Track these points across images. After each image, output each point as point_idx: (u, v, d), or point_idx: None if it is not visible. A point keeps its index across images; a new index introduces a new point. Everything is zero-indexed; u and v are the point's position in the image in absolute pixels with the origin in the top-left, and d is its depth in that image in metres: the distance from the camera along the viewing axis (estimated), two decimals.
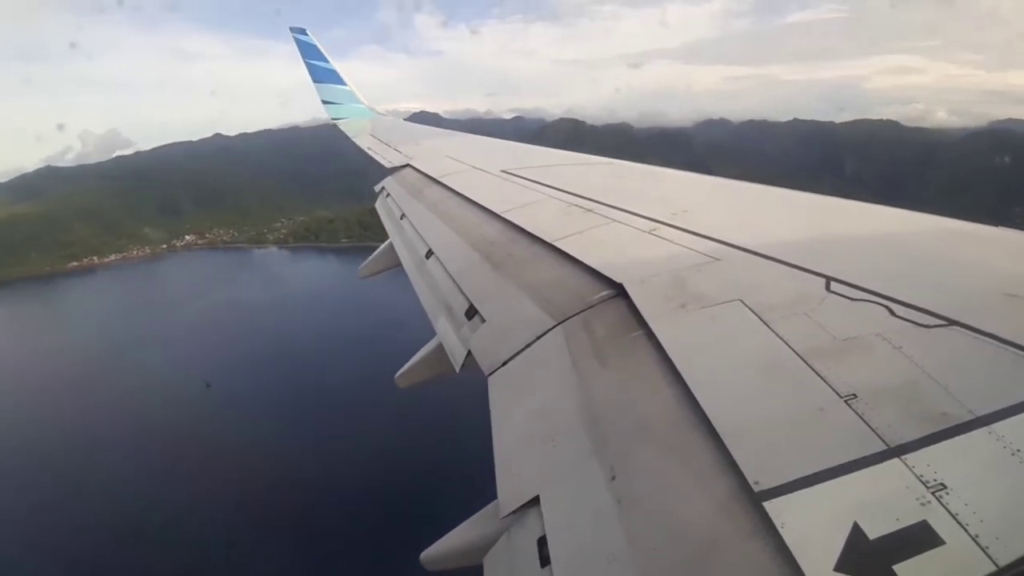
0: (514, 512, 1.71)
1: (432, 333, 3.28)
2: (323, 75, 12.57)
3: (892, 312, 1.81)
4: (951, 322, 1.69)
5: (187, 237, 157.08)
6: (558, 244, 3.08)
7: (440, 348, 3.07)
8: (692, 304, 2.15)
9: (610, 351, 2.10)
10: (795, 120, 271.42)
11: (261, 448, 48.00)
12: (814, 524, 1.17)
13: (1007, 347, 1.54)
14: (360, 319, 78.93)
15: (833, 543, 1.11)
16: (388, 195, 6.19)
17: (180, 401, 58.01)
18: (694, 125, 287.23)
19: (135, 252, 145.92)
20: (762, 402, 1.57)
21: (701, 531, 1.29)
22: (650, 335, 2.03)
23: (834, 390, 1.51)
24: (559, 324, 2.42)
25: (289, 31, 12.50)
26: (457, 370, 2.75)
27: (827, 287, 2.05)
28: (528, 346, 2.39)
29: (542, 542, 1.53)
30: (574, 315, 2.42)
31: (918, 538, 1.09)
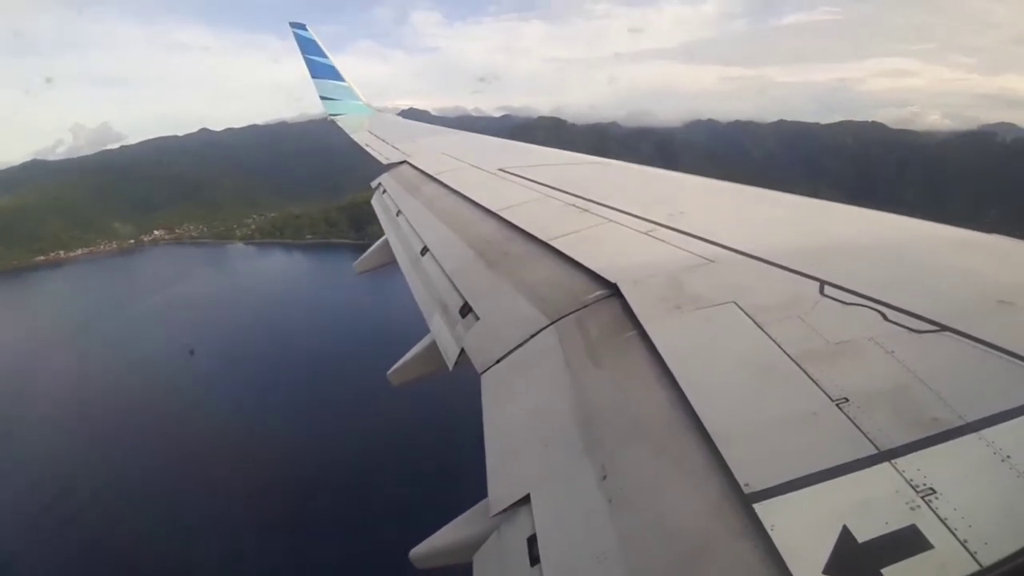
0: (505, 510, 1.70)
1: (425, 330, 3.27)
2: (322, 71, 12.52)
3: (885, 317, 1.82)
4: (943, 328, 1.70)
5: (155, 232, 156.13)
6: (553, 243, 3.08)
7: (433, 345, 3.05)
8: (686, 305, 2.15)
9: (603, 351, 2.09)
10: (780, 121, 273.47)
11: (245, 446, 47.61)
12: (804, 526, 1.17)
13: (999, 353, 1.54)
14: (333, 318, 79.57)
15: (822, 545, 1.11)
16: (384, 191, 6.17)
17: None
18: (683, 125, 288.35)
19: (102, 247, 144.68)
20: (754, 404, 1.57)
21: (691, 531, 1.29)
22: (643, 336, 2.02)
23: (826, 393, 1.51)
24: (553, 323, 2.41)
25: (289, 26, 12.45)
26: (450, 368, 2.73)
27: (821, 291, 2.06)
28: (521, 345, 2.38)
29: (532, 541, 1.53)
30: (568, 314, 2.42)
31: (907, 542, 1.09)
